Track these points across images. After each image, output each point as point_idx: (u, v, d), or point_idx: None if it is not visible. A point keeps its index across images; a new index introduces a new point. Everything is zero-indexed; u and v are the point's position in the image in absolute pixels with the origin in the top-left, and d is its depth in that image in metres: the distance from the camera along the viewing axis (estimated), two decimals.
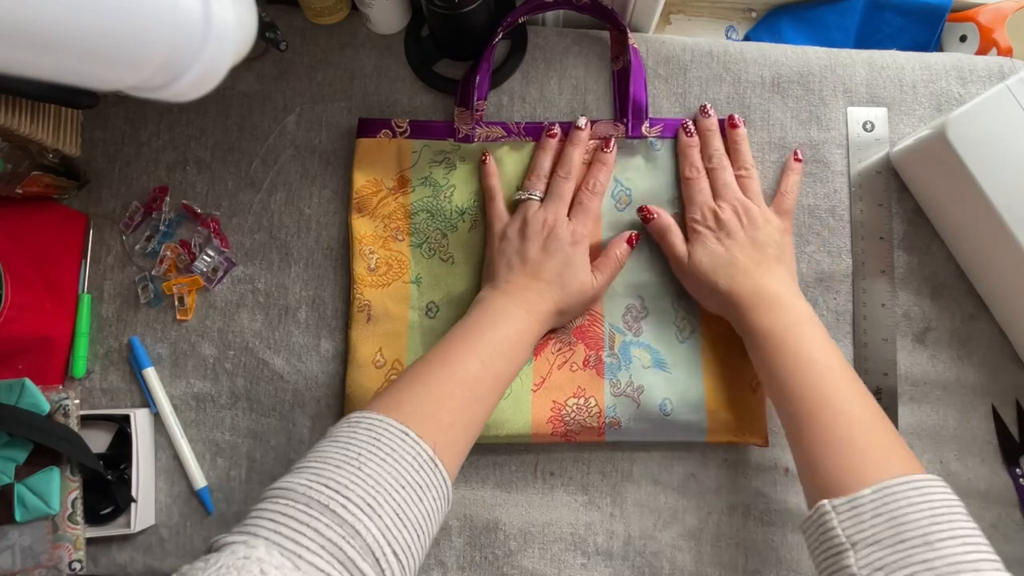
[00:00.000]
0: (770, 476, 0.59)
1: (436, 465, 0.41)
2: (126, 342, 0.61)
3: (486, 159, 0.59)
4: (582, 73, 0.62)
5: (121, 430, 0.58)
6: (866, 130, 0.62)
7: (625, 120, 0.60)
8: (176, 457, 0.60)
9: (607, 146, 0.58)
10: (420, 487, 0.39)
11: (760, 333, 0.51)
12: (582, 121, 0.59)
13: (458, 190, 0.60)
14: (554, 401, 0.57)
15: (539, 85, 0.62)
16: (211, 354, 0.61)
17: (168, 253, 0.61)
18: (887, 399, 0.59)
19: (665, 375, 0.58)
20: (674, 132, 0.60)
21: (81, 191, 0.62)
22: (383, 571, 0.35)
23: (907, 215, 0.61)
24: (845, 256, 0.61)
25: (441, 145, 0.60)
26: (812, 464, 0.46)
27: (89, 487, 0.56)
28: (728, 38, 0.69)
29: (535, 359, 0.58)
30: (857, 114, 0.62)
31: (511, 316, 0.52)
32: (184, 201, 0.61)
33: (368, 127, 0.60)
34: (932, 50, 0.66)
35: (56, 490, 0.53)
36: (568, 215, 0.56)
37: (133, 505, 0.56)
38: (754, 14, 0.69)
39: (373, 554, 0.35)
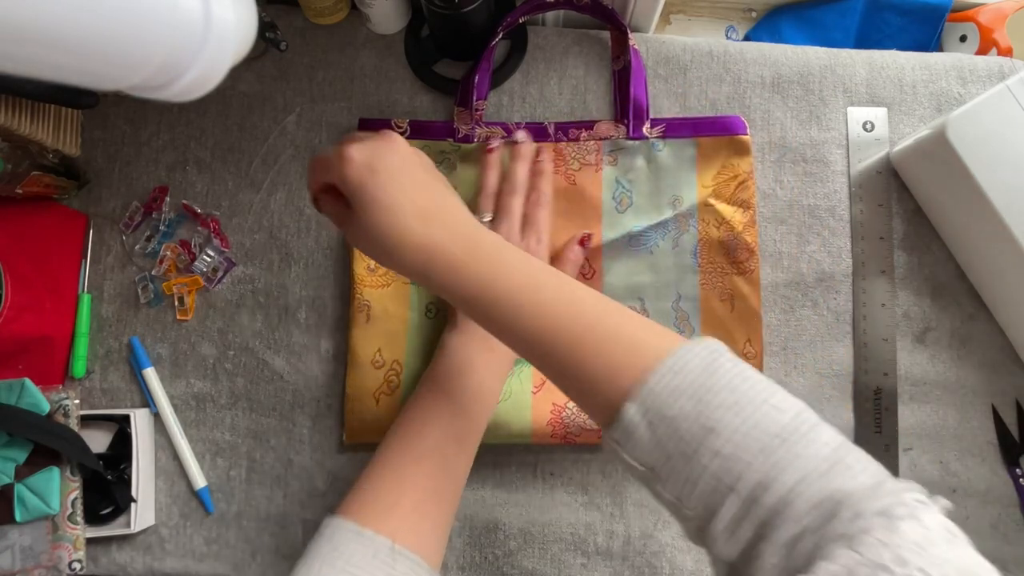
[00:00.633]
0: None
1: (396, 554, 0.43)
2: (126, 342, 0.61)
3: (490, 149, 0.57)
4: (582, 73, 0.62)
5: (121, 430, 0.58)
6: (866, 130, 0.62)
7: (626, 121, 0.60)
8: (176, 457, 0.60)
9: (538, 156, 0.58)
10: None
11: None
12: (520, 135, 0.58)
13: (458, 191, 0.60)
14: (554, 403, 0.57)
15: (539, 85, 0.62)
16: (211, 354, 0.61)
17: (168, 253, 0.61)
18: (887, 399, 0.59)
19: None
20: (677, 133, 0.60)
21: (81, 191, 0.62)
22: None
23: (907, 215, 0.61)
24: (845, 256, 0.60)
25: (441, 145, 0.60)
26: (579, 395, 0.41)
27: (89, 487, 0.56)
28: (728, 38, 0.69)
29: None
30: (857, 114, 0.62)
31: (470, 366, 0.52)
32: (184, 201, 0.61)
33: (368, 127, 0.60)
34: (932, 50, 0.66)
35: (56, 490, 0.53)
36: (521, 231, 0.55)
37: (133, 505, 0.56)
38: (754, 14, 0.69)
39: None
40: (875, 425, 0.59)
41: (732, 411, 0.34)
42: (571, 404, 0.57)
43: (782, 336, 0.60)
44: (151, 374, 0.60)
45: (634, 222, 0.59)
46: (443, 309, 0.59)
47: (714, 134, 0.59)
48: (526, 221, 0.56)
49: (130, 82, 0.29)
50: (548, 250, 0.57)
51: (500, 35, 0.58)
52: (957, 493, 0.59)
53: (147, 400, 0.60)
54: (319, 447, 0.60)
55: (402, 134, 0.60)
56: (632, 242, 0.59)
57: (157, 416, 0.60)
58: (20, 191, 0.56)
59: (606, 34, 0.62)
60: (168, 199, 0.62)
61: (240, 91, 0.63)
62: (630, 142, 0.60)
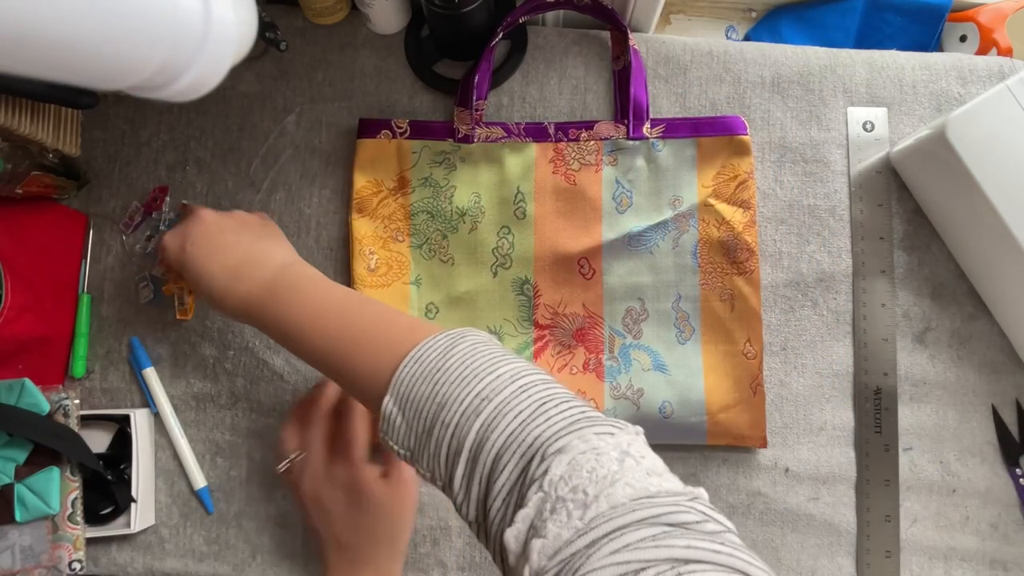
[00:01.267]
0: (770, 476, 0.59)
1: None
2: (126, 342, 0.61)
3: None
4: (582, 73, 0.62)
5: (121, 430, 0.58)
6: (866, 130, 0.62)
7: (626, 121, 0.60)
8: (176, 457, 0.60)
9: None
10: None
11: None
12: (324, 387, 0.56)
13: (458, 191, 0.60)
14: None
15: (539, 85, 0.62)
16: (211, 354, 0.61)
17: None
18: (887, 399, 0.59)
19: (665, 377, 0.58)
20: (677, 133, 0.60)
21: (81, 191, 0.62)
22: None
23: (907, 215, 0.61)
24: (845, 256, 0.61)
25: (441, 146, 0.60)
26: (359, 397, 0.44)
27: (89, 487, 0.56)
28: (728, 38, 0.69)
29: (535, 362, 0.58)
30: (857, 114, 0.62)
31: None
32: (184, 201, 0.61)
33: (368, 127, 0.60)
34: (932, 50, 0.66)
35: (56, 490, 0.53)
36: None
37: (133, 505, 0.56)
38: (754, 14, 0.69)
39: None
40: (875, 425, 0.59)
41: (458, 385, 0.37)
42: None
43: (782, 336, 0.60)
44: (151, 374, 0.60)
45: (634, 222, 0.59)
46: (444, 309, 0.60)
47: (714, 134, 0.59)
48: (334, 442, 0.53)
49: (130, 82, 0.29)
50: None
51: (500, 35, 0.58)
52: (957, 493, 0.59)
53: (147, 400, 0.60)
54: None
55: (402, 134, 0.60)
56: (632, 242, 0.59)
57: (157, 416, 0.60)
58: (20, 191, 0.56)
59: (606, 34, 0.62)
60: (168, 199, 0.62)
61: (240, 91, 0.63)
62: (630, 142, 0.60)
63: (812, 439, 0.59)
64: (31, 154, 0.55)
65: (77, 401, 0.56)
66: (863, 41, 0.66)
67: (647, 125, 0.60)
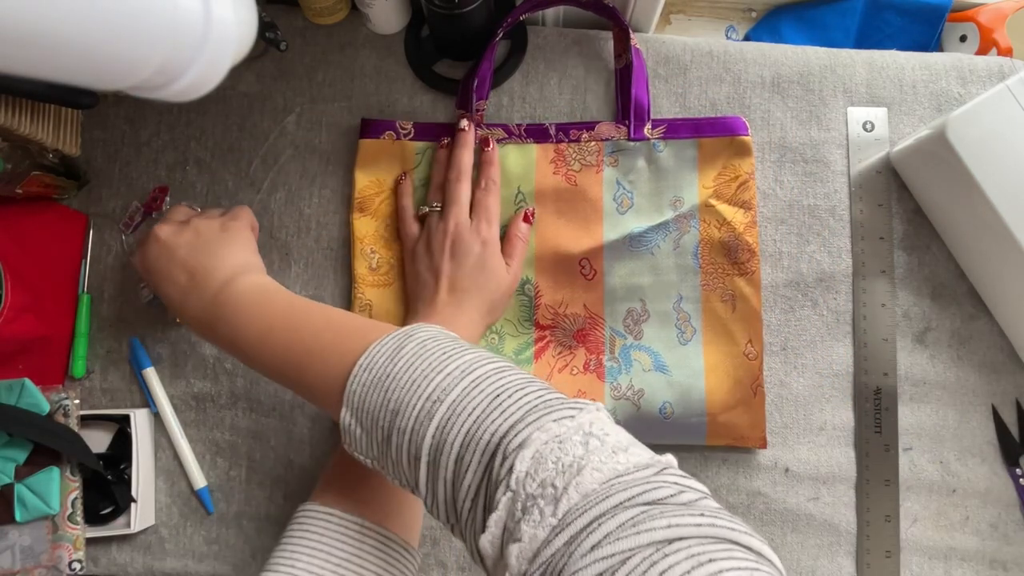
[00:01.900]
0: (770, 476, 0.59)
1: (365, 530, 0.45)
2: (126, 342, 0.61)
3: (403, 178, 0.60)
4: (582, 73, 0.62)
5: (121, 430, 0.58)
6: (866, 130, 0.62)
7: (627, 122, 0.60)
8: (176, 457, 0.60)
9: (487, 145, 0.59)
10: (355, 556, 0.44)
11: None
12: (464, 124, 0.59)
13: None
14: None
15: (539, 85, 0.62)
16: (211, 354, 0.61)
17: None
18: (887, 399, 0.59)
19: (666, 377, 0.58)
20: (678, 134, 0.60)
21: (81, 191, 0.62)
22: None
23: (907, 215, 0.61)
24: (845, 256, 0.60)
25: None
26: (323, 409, 0.45)
27: (89, 487, 0.56)
28: (728, 38, 0.69)
29: (535, 362, 0.58)
30: (857, 114, 0.62)
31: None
32: (184, 202, 0.61)
33: (372, 128, 0.60)
34: (932, 50, 0.66)
35: (56, 490, 0.53)
36: (471, 217, 0.57)
37: (133, 505, 0.56)
38: (754, 14, 0.69)
39: None
40: (875, 425, 0.59)
41: (408, 390, 0.36)
42: None
43: (782, 336, 0.60)
44: (151, 374, 0.60)
45: (635, 223, 0.59)
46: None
47: (715, 135, 0.59)
48: (476, 206, 0.57)
49: (130, 82, 0.29)
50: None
51: (501, 35, 0.58)
52: (957, 493, 0.59)
53: (147, 400, 0.60)
54: (319, 447, 0.60)
55: (406, 135, 0.60)
56: (633, 243, 0.59)
57: (157, 416, 0.60)
58: (20, 191, 0.56)
59: (606, 34, 0.62)
60: (168, 199, 0.62)
61: (240, 91, 0.63)
62: (631, 143, 0.60)
63: (812, 439, 0.59)
64: (31, 154, 0.55)
65: (77, 401, 0.56)
66: (863, 41, 0.66)
67: (648, 126, 0.60)
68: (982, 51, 0.64)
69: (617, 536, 0.26)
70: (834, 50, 0.63)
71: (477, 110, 0.59)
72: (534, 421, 0.32)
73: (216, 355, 0.61)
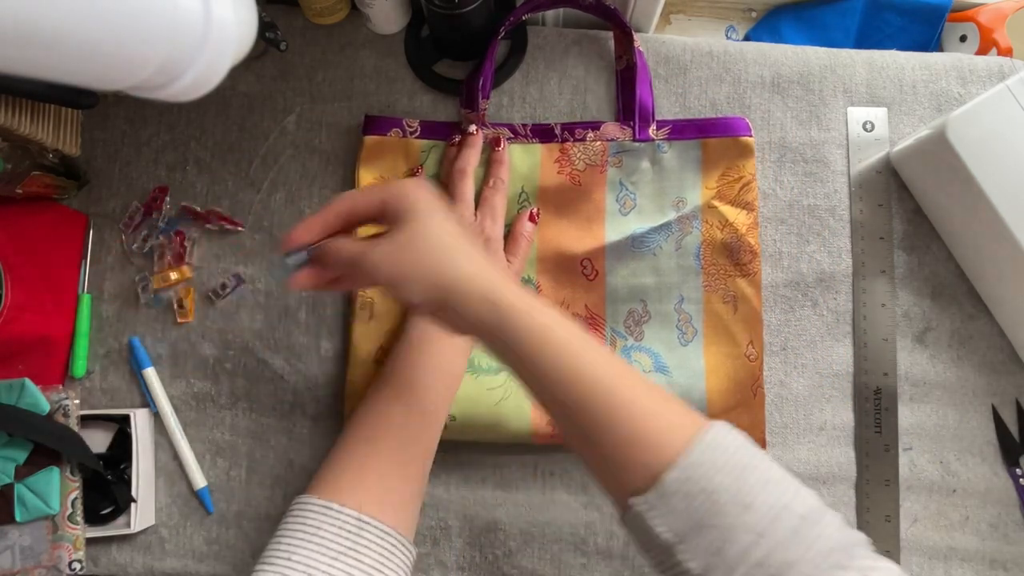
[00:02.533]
0: None
1: (362, 524, 0.45)
2: (126, 342, 0.61)
3: (417, 172, 0.60)
4: (582, 73, 0.62)
5: (121, 430, 0.58)
6: (866, 130, 0.62)
7: (631, 123, 0.60)
8: (176, 457, 0.60)
9: (497, 145, 0.59)
10: (351, 550, 0.44)
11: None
12: (473, 128, 0.59)
13: None
14: None
15: (539, 85, 0.62)
16: (211, 354, 0.61)
17: (162, 239, 0.61)
18: (887, 399, 0.59)
19: (667, 379, 0.58)
20: (682, 135, 0.60)
21: (81, 191, 0.62)
22: None
23: (907, 215, 0.61)
24: (845, 256, 0.60)
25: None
26: (604, 460, 0.40)
27: (89, 487, 0.56)
28: (728, 38, 0.69)
29: None
30: (857, 114, 0.62)
31: (432, 343, 0.53)
32: (184, 203, 0.61)
33: (376, 124, 0.60)
34: (932, 50, 0.66)
35: (56, 490, 0.53)
36: (476, 214, 0.57)
37: (133, 505, 0.56)
38: (754, 14, 0.69)
39: None
40: (875, 425, 0.59)
41: (767, 490, 0.36)
42: None
43: (782, 336, 0.60)
44: (151, 374, 0.60)
45: (637, 224, 0.59)
46: None
47: (719, 136, 0.59)
48: (482, 204, 0.58)
49: (130, 82, 0.29)
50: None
51: (503, 34, 0.58)
52: (957, 493, 0.59)
53: (147, 400, 0.60)
54: (319, 447, 0.60)
55: (412, 134, 0.60)
56: (635, 244, 0.59)
57: (157, 416, 0.60)
58: (20, 191, 0.56)
59: (606, 34, 0.62)
60: (168, 199, 0.62)
61: (240, 91, 0.63)
62: (636, 144, 0.59)
63: (812, 439, 0.59)
64: (31, 154, 0.55)
65: (77, 401, 0.56)
66: (863, 41, 0.66)
67: (653, 127, 0.60)
68: (982, 51, 0.64)
69: None
70: (834, 50, 0.63)
71: (481, 110, 0.59)
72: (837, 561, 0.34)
73: (216, 355, 0.61)
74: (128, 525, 0.56)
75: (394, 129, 0.60)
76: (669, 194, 0.60)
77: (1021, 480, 0.59)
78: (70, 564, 0.54)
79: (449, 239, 0.42)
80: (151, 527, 0.59)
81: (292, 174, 0.62)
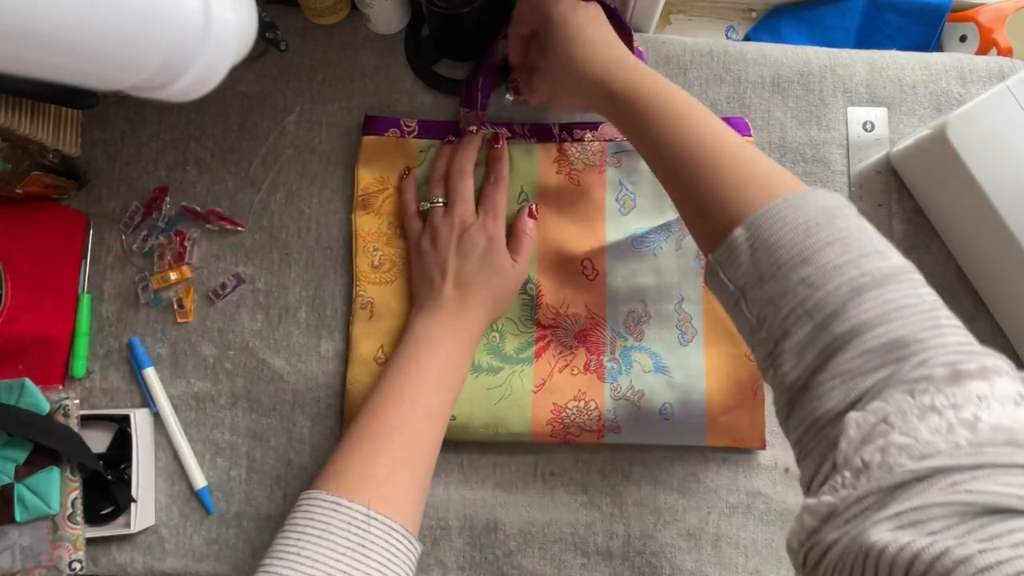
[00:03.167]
0: (770, 476, 0.59)
1: (370, 519, 0.45)
2: (126, 342, 0.61)
3: (406, 173, 0.60)
4: None
5: (121, 430, 0.58)
6: (866, 130, 0.62)
7: None
8: (176, 457, 0.60)
9: (496, 142, 0.59)
10: (359, 546, 0.44)
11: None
12: (472, 128, 0.59)
13: None
14: (554, 403, 0.57)
15: None
16: (211, 354, 0.61)
17: (163, 240, 0.61)
18: None
19: (667, 379, 0.58)
20: None
21: (81, 191, 0.62)
22: None
23: (907, 215, 0.61)
24: None
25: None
26: (693, 211, 0.44)
27: (89, 487, 0.56)
28: (728, 38, 0.69)
29: (536, 361, 0.58)
30: (857, 114, 0.62)
31: (437, 342, 0.53)
32: (184, 203, 0.61)
33: (375, 125, 0.60)
34: (932, 50, 0.66)
35: (56, 490, 0.53)
36: (476, 212, 0.57)
37: (133, 505, 0.56)
38: (754, 14, 0.69)
39: None
40: None
41: (833, 248, 0.36)
42: (571, 404, 0.57)
43: None
44: (151, 374, 0.60)
45: (637, 224, 0.59)
46: None
47: None
48: (483, 201, 0.58)
49: (130, 82, 0.29)
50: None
51: (502, 34, 0.58)
52: None
53: (147, 400, 0.60)
54: (319, 447, 0.60)
55: (410, 133, 0.60)
56: (635, 244, 0.59)
57: (157, 416, 0.60)
58: (20, 191, 0.56)
59: None
60: (168, 199, 0.62)
61: (240, 91, 0.63)
62: None
63: None
64: (31, 154, 0.55)
65: (77, 401, 0.56)
66: (863, 41, 0.66)
67: None
68: (982, 51, 0.64)
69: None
70: (834, 50, 0.63)
71: (481, 110, 0.59)
72: (968, 350, 0.31)
73: (216, 355, 0.61)
74: (128, 525, 0.56)
75: (392, 129, 0.60)
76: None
77: None
78: (70, 564, 0.54)
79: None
80: (151, 527, 0.59)
81: (292, 174, 0.62)
